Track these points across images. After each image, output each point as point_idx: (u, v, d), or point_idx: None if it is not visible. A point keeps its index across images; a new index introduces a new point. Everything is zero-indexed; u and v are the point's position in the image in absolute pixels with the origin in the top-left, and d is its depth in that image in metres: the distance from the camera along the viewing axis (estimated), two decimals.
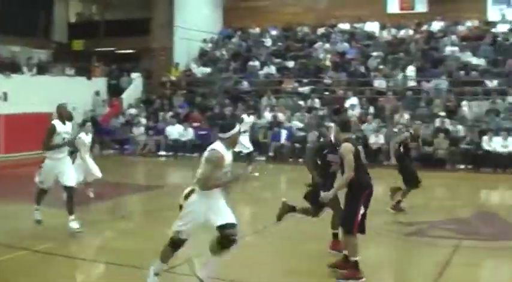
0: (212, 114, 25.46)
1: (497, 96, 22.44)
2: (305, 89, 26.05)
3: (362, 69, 26.39)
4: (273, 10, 31.99)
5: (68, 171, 10.31)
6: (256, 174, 17.44)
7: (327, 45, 28.72)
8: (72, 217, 10.16)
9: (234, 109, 24.94)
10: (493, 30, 26.62)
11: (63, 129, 10.17)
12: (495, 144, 20.21)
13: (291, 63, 28.28)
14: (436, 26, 27.86)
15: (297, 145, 22.69)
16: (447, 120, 21.59)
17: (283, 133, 23.28)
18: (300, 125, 23.57)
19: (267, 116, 24.48)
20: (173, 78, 29.60)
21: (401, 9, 29.63)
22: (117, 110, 27.42)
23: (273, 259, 9.32)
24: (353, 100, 24.13)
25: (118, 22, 31.05)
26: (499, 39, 25.86)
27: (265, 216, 11.32)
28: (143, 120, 26.10)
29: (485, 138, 20.43)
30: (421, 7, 29.22)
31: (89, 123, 14.57)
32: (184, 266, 7.59)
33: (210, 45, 31.55)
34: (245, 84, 27.68)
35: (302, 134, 23.03)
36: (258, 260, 9.08)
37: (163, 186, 17.03)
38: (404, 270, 8.99)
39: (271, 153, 23.07)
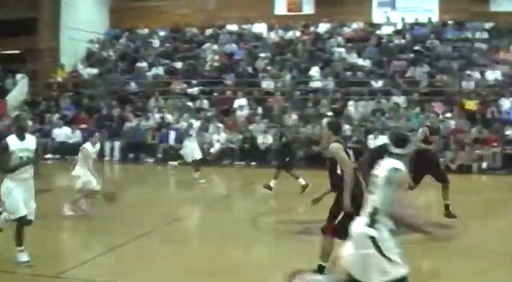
0: (100, 116, 24.63)
1: (382, 97, 22.98)
2: (193, 90, 25.60)
3: (250, 70, 26.26)
4: (161, 11, 31.30)
5: (32, 200, 8.33)
6: (203, 181, 16.84)
7: (215, 46, 28.40)
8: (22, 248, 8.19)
9: (121, 111, 24.26)
10: (378, 32, 27.32)
11: (20, 146, 8.19)
12: (381, 143, 20.42)
13: (179, 64, 27.79)
14: (323, 27, 28.16)
15: None
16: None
17: (172, 134, 22.77)
18: None
19: (155, 117, 23.89)
20: (60, 79, 28.39)
21: (289, 10, 29.72)
22: (1, 112, 25.91)
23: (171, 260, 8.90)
24: (241, 101, 23.91)
25: (1, 22, 29.43)
26: (383, 41, 26.54)
27: (153, 217, 11.00)
28: (29, 123, 24.77)
29: (371, 137, 20.75)
30: (308, 9, 29.44)
31: (97, 134, 13.29)
32: None
33: (97, 45, 30.49)
34: (133, 86, 26.92)
35: None
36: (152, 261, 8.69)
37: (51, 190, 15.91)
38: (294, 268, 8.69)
39: (159, 155, 22.53)
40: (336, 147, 7.40)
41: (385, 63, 25.26)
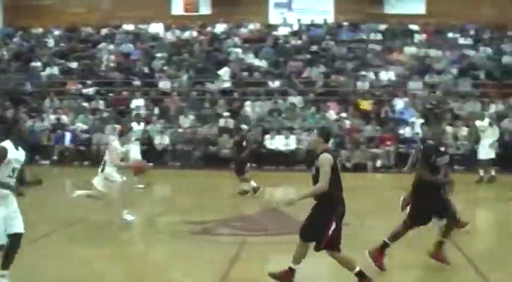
0: None
1: (279, 97, 23.04)
2: (89, 91, 24.87)
3: (146, 70, 25.79)
4: (56, 10, 30.37)
5: (16, 213, 7.19)
6: (141, 186, 15.95)
7: (111, 46, 27.75)
8: (6, 272, 7.17)
9: (15, 112, 23.21)
10: (275, 33, 27.51)
11: (16, 156, 7.12)
12: (277, 142, 20.61)
13: (74, 64, 26.94)
14: (220, 28, 28.08)
15: (82, 148, 21.80)
16: (231, 121, 21.60)
17: (67, 136, 22.10)
18: (85, 127, 22.61)
19: (51, 118, 23.06)
20: None
21: (186, 11, 29.50)
22: None
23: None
24: (138, 101, 23.41)
25: None
26: (280, 41, 26.72)
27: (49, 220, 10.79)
28: None
29: (267, 137, 20.77)
30: (205, 9, 29.35)
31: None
32: None
33: None
34: (27, 86, 25.83)
35: (86, 136, 22.10)
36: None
37: None
38: (192, 269, 8.59)
39: (55, 157, 21.78)
40: (324, 158, 7.20)
41: (281, 63, 25.39)
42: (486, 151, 17.33)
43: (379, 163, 20.43)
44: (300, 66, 25.10)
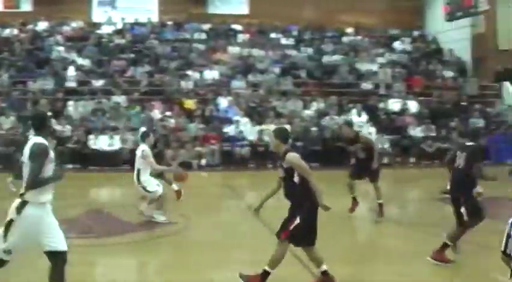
0: None
1: (103, 96, 22.82)
2: None
3: None
4: None
5: (56, 228, 6.33)
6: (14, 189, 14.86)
7: None
8: None
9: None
10: (98, 31, 27.20)
11: (52, 153, 6.16)
12: (101, 143, 20.49)
13: None
14: (42, 26, 27.30)
15: None
16: (54, 121, 21.11)
17: None
18: None
19: None
20: None
21: (5, 7, 28.31)
22: None
23: None
24: None
25: None
26: (104, 40, 26.47)
27: None
28: None
29: (91, 137, 20.58)
30: (26, 6, 28.35)
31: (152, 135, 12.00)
32: None
33: None
34: None
35: None
36: None
37: None
38: (11, 278, 8.23)
39: None
40: (294, 157, 7.21)
41: (105, 62, 25.21)
42: None
43: (204, 162, 20.88)
44: (124, 65, 25.10)
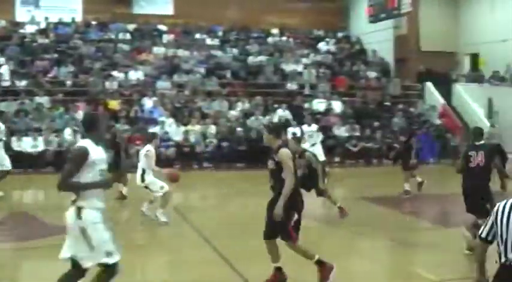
0: None
1: (26, 97, 22.54)
2: None
3: None
4: None
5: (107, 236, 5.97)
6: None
7: None
8: None
9: None
10: (21, 31, 26.81)
11: (99, 156, 5.94)
12: (25, 144, 20.28)
13: None
14: None
15: None
16: None
17: None
18: None
19: None
20: None
21: None
22: None
23: None
24: None
25: None
26: (27, 40, 26.13)
27: None
28: None
29: (14, 138, 20.29)
30: None
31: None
32: None
33: None
34: None
35: None
36: None
37: None
38: None
39: None
40: (285, 154, 7.37)
41: (28, 63, 24.91)
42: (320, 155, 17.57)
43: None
44: (47, 66, 24.87)
